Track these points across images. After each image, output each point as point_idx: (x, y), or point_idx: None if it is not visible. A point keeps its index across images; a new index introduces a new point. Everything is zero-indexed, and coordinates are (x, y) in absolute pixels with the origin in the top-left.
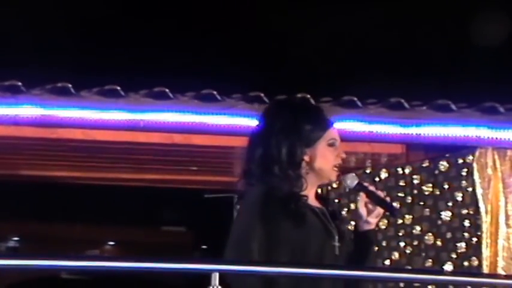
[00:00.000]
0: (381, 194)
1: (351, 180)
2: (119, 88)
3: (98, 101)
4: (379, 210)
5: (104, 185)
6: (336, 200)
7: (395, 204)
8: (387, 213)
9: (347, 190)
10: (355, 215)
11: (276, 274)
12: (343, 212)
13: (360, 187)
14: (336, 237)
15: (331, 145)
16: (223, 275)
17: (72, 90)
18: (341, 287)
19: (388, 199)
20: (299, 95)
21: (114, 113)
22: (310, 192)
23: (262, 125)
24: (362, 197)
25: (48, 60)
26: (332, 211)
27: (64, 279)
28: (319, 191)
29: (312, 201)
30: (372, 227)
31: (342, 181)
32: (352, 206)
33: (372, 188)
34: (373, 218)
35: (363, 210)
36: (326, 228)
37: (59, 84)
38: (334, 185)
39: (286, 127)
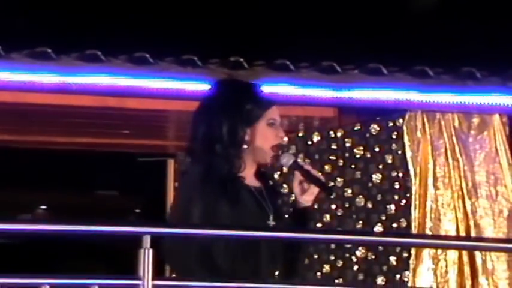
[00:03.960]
0: (316, 172)
1: (287, 159)
2: (49, 50)
3: (28, 63)
4: (314, 189)
5: (36, 149)
6: (277, 176)
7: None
8: (322, 192)
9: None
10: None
11: (196, 236)
12: (284, 189)
13: (295, 166)
14: (271, 216)
15: (270, 125)
16: (159, 250)
17: (2, 52)
18: (279, 254)
19: (322, 178)
20: (232, 59)
21: (45, 76)
22: (249, 171)
23: (205, 104)
24: (297, 176)
25: None
26: (272, 188)
27: None
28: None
29: (251, 180)
30: (308, 204)
31: (278, 159)
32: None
33: (307, 166)
34: (309, 196)
35: (297, 189)
36: (261, 208)
37: None
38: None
39: (228, 106)
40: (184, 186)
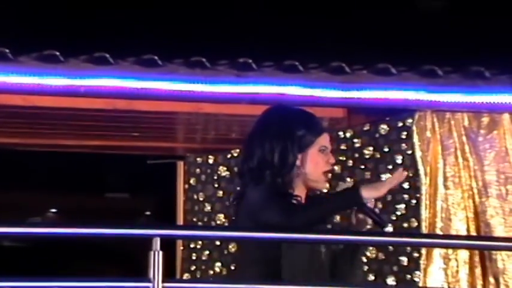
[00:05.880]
0: (371, 206)
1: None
2: (58, 53)
3: (36, 66)
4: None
5: (45, 152)
6: None
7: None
8: (375, 224)
9: None
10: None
11: (208, 238)
12: None
13: None
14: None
15: (321, 151)
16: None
17: (10, 55)
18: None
19: (377, 210)
20: (241, 60)
21: (53, 79)
22: (300, 195)
23: (259, 129)
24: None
25: None
26: None
27: (5, 247)
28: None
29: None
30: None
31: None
32: None
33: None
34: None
35: (353, 219)
36: None
37: None
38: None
39: (280, 132)
40: (258, 203)
